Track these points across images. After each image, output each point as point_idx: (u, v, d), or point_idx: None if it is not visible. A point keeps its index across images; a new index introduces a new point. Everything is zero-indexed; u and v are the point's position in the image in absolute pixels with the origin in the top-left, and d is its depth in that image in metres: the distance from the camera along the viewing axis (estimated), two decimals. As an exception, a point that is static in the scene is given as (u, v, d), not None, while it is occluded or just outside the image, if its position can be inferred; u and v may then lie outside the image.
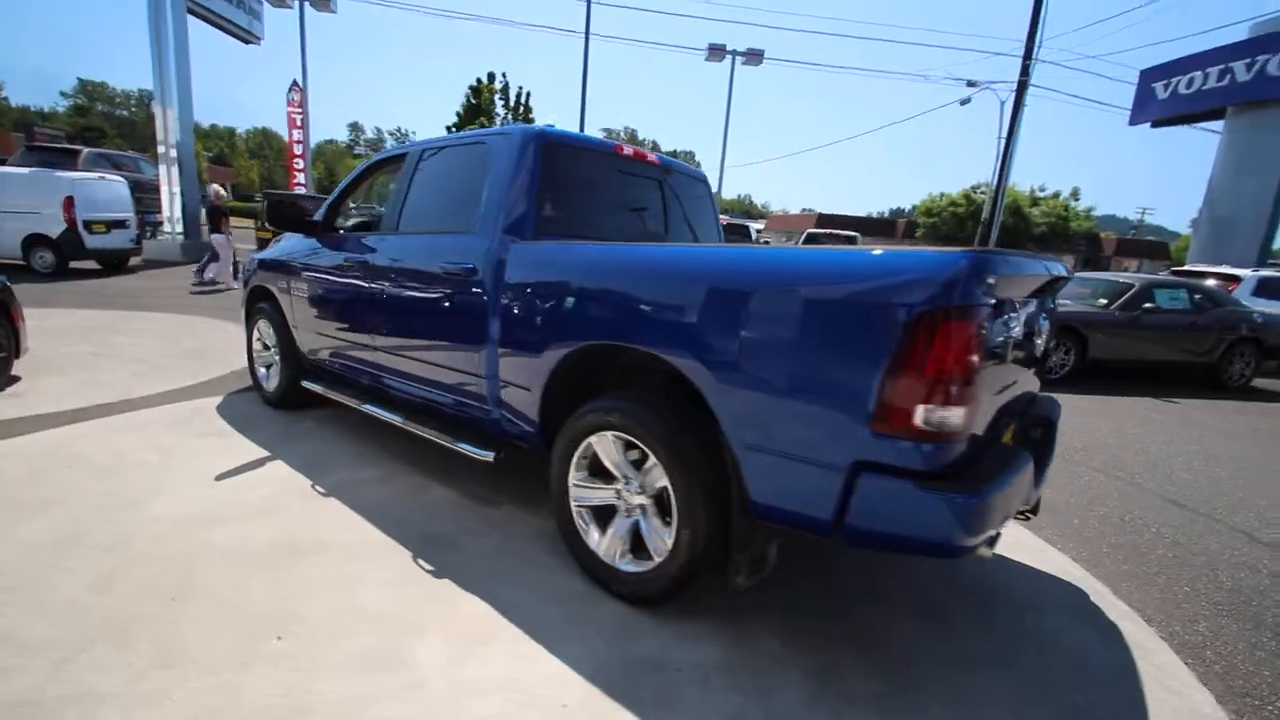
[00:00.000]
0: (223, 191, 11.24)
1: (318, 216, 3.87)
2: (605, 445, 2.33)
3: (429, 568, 2.48)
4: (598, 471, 2.43)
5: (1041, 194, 36.26)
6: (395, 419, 3.29)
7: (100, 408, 4.10)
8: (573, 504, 2.47)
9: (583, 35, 17.43)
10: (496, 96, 30.13)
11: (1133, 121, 17.27)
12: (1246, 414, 6.86)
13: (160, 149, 12.84)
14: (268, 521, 2.74)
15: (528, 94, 30.89)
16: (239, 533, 2.62)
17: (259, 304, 4.44)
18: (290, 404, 4.34)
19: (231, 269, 10.44)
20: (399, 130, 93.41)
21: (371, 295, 3.32)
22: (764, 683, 1.95)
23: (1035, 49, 17.22)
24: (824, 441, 1.75)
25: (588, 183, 3.05)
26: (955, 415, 1.60)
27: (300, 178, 15.67)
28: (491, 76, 29.94)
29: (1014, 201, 32.88)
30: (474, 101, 29.56)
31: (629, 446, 2.29)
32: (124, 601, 2.11)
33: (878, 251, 1.73)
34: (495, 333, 2.68)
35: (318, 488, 3.14)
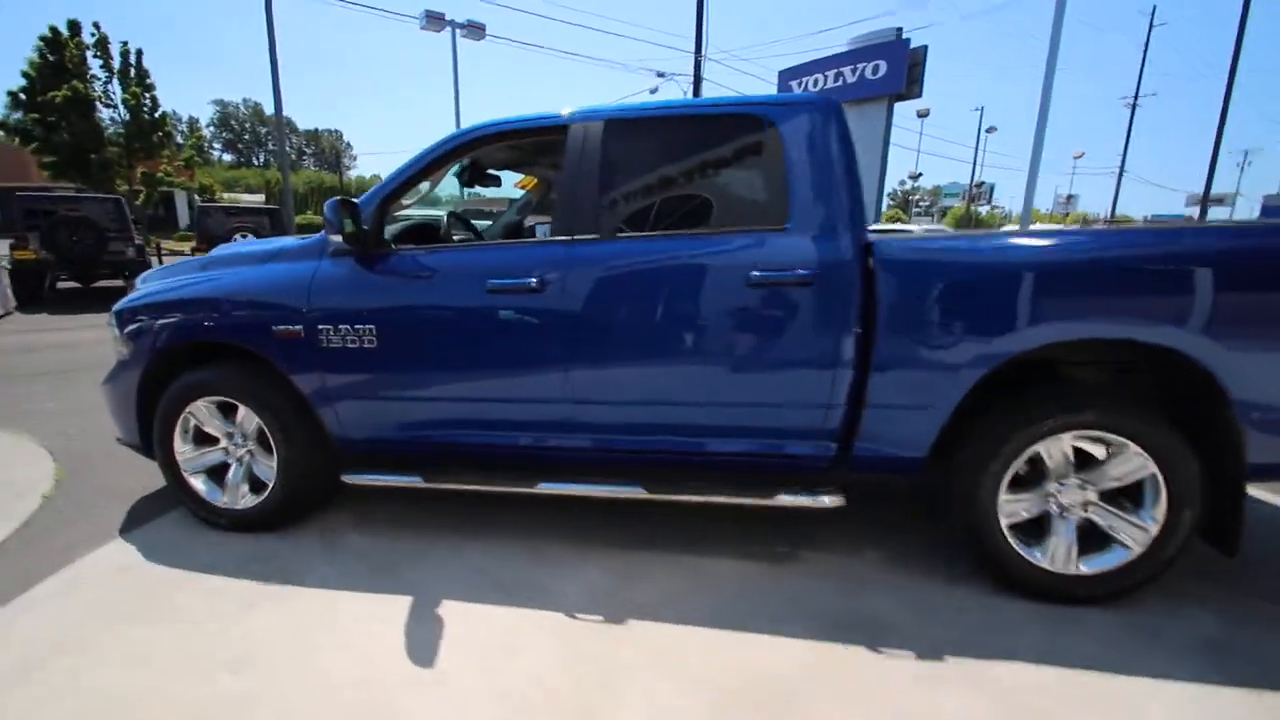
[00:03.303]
0: None
1: (366, 224, 2.50)
2: (1057, 448, 2.15)
3: (936, 660, 1.95)
4: (1022, 481, 2.24)
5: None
6: (633, 491, 2.42)
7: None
8: (1004, 523, 2.22)
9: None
10: (90, 54, 22.31)
11: (778, 113, 20.76)
12: None
13: None
14: (664, 692, 1.80)
15: (138, 52, 23.62)
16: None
17: (195, 375, 2.69)
18: (286, 519, 2.79)
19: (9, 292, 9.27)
20: None
21: (572, 329, 2.33)
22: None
23: (704, 47, 20.30)
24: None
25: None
26: None
27: None
28: (75, 27, 21.96)
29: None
30: (51, 58, 21.36)
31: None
32: None
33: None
34: (852, 350, 2.19)
35: (586, 617, 2.15)
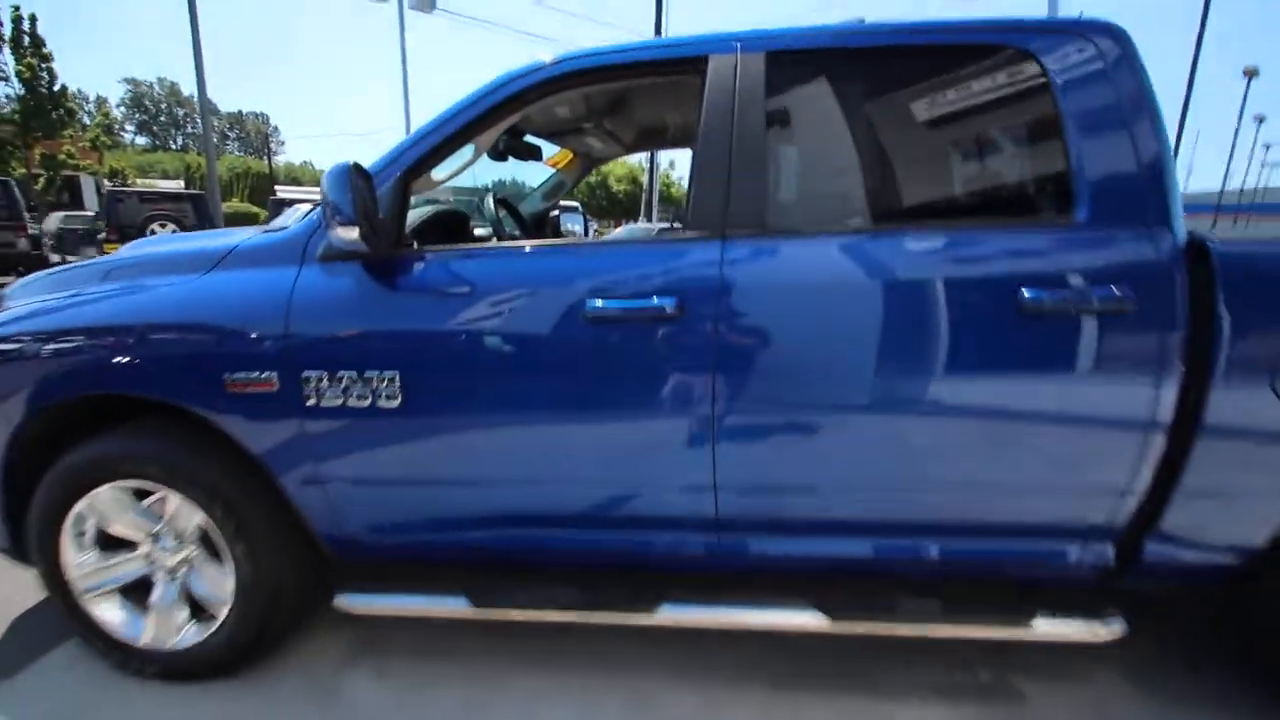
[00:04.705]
0: None
1: (382, 211, 1.57)
2: None
3: None
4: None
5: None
6: (809, 619, 1.60)
7: None
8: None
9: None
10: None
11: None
12: None
13: None
14: None
15: (32, 18, 20.99)
16: None
17: (94, 448, 1.71)
18: (249, 660, 1.84)
19: None
20: None
21: (728, 377, 1.49)
22: None
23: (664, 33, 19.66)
24: None
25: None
26: None
27: None
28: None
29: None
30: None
31: None
32: None
33: None
34: (1172, 408, 1.42)
35: None
